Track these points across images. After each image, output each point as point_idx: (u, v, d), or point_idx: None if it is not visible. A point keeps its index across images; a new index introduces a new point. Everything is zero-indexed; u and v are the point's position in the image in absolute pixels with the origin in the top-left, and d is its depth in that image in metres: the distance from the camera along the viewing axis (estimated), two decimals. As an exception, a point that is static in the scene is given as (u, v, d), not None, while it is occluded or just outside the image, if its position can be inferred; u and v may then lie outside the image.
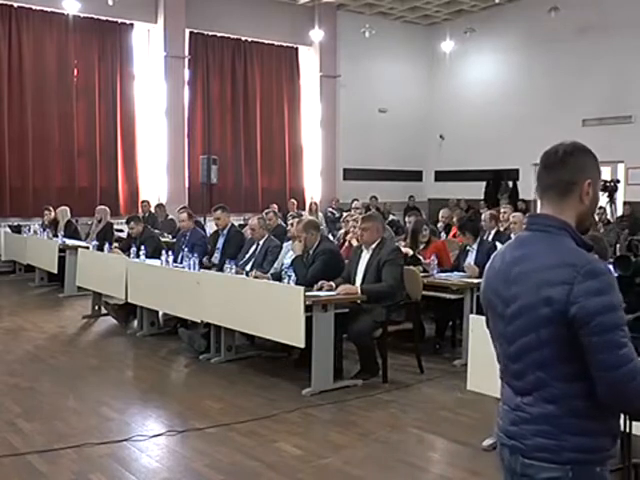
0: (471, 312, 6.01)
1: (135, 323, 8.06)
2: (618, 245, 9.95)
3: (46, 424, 4.92)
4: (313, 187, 16.75)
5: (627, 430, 2.89)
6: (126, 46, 14.21)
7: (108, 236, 10.45)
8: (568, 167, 1.91)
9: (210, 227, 10.32)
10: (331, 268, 6.29)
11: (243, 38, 15.46)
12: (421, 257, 7.33)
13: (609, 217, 10.84)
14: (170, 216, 12.57)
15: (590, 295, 1.74)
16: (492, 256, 2.04)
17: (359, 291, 5.93)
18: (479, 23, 16.14)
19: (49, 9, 13.11)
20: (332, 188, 16.65)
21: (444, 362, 6.59)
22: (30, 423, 4.93)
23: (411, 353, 6.40)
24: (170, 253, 7.43)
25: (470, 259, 7.05)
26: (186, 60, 14.69)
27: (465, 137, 16.94)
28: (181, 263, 7.37)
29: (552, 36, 14.88)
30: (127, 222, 9.14)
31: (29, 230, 11.89)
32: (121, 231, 11.51)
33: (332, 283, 5.97)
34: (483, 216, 8.68)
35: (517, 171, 15.82)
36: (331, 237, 9.93)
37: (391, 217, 14.15)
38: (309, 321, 5.47)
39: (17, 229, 12.45)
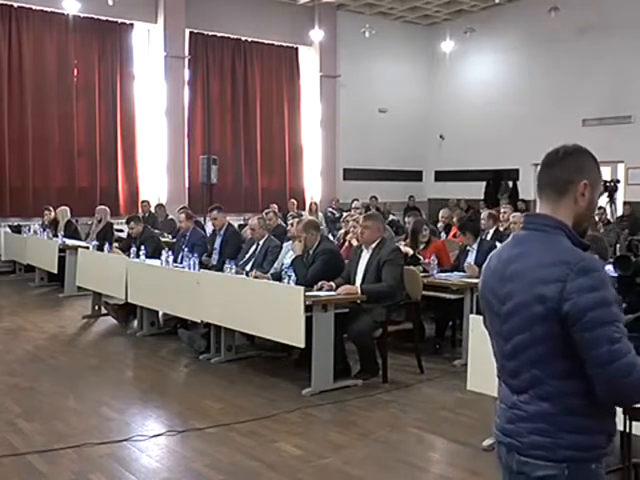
0: (471, 312, 6.00)
1: (135, 323, 8.06)
2: (618, 245, 9.93)
3: (46, 424, 4.92)
4: (313, 187, 16.74)
5: (627, 430, 2.88)
6: (126, 46, 14.21)
7: (108, 236, 10.45)
8: (566, 166, 1.91)
9: (210, 227, 10.31)
10: (331, 268, 6.29)
11: (243, 38, 15.45)
12: (421, 257, 7.33)
13: (609, 217, 10.84)
14: (170, 216, 12.57)
15: (582, 292, 1.74)
16: (489, 255, 2.05)
17: (359, 291, 5.93)
18: (479, 23, 16.13)
19: (49, 9, 13.11)
20: (332, 188, 16.64)
21: (444, 362, 6.59)
22: (30, 423, 4.93)
23: (411, 353, 6.40)
24: (170, 253, 7.44)
25: (470, 259, 7.05)
26: (186, 60, 14.69)
27: (465, 137, 16.92)
28: (181, 263, 7.37)
29: (552, 36, 14.87)
30: (127, 222, 9.15)
31: (29, 230, 11.88)
32: (121, 231, 11.51)
33: (332, 283, 5.96)
34: (482, 216, 8.68)
35: (517, 171, 15.81)
36: (331, 237, 9.92)
37: (391, 217, 14.11)
38: (309, 321, 5.48)
39: (17, 229, 12.44)
